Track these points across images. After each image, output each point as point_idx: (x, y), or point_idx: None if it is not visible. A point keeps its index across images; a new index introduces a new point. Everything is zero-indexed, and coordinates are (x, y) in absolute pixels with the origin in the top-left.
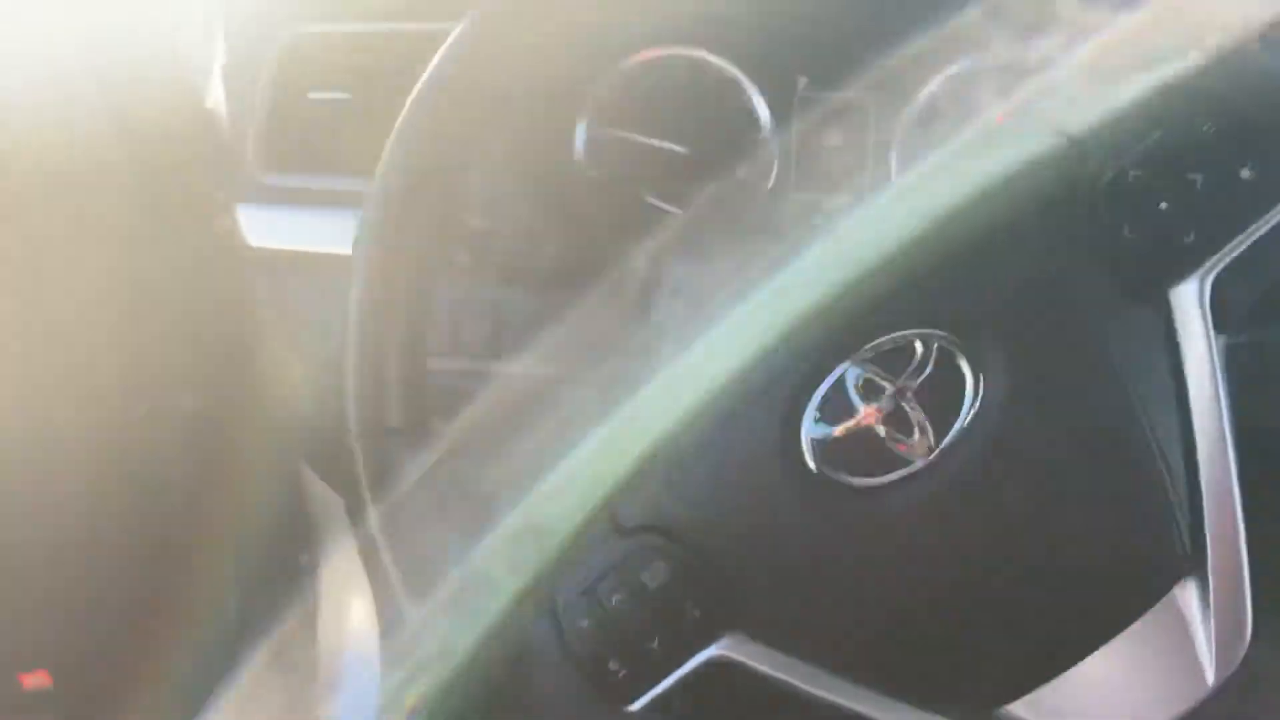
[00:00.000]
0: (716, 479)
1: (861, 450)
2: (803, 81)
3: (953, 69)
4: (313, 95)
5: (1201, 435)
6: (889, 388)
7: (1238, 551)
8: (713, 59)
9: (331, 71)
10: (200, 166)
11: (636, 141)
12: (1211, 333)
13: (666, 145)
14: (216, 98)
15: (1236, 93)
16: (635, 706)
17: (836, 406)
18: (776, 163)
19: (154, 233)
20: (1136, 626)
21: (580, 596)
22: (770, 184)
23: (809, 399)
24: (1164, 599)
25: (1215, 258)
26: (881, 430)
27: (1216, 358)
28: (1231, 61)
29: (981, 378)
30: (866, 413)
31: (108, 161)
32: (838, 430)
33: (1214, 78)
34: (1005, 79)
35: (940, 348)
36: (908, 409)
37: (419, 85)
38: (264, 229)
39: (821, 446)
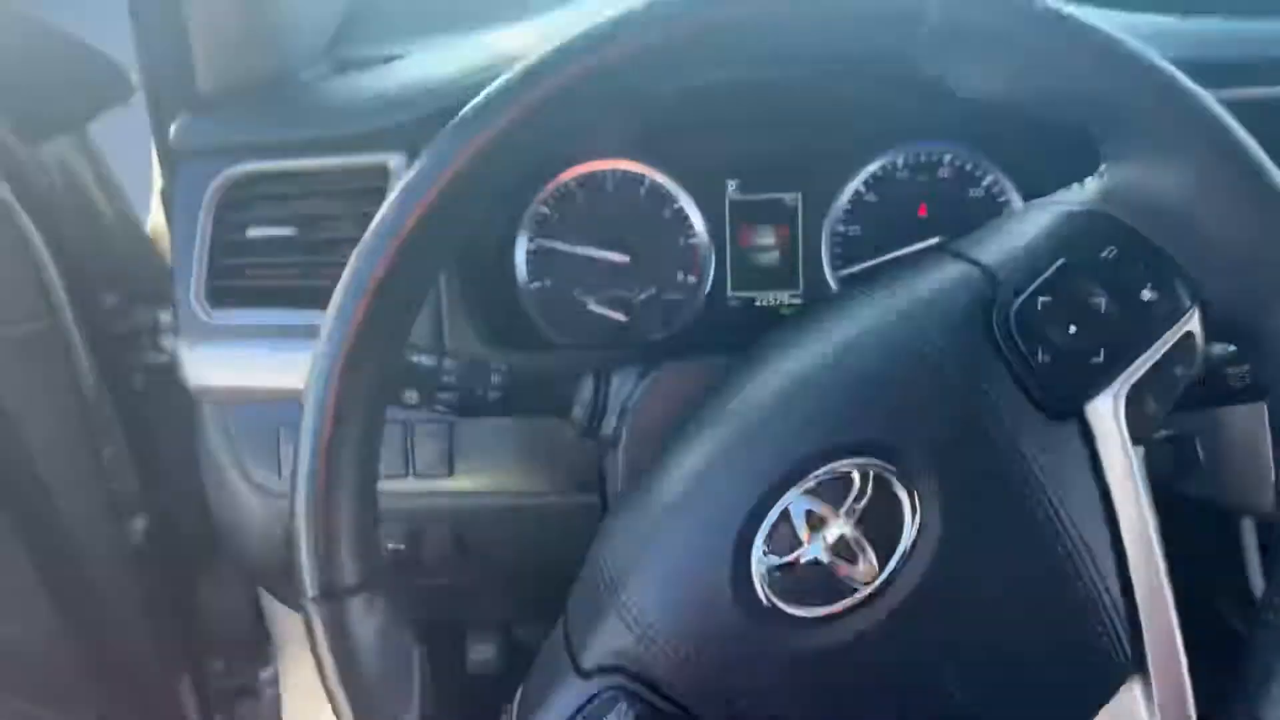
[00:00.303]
0: (673, 615)
1: (811, 580)
2: (732, 185)
3: (873, 167)
4: (252, 233)
5: (1131, 544)
6: (831, 518)
7: (1176, 652)
8: (644, 170)
9: (272, 208)
10: (140, 296)
11: (576, 253)
12: (1129, 445)
13: (605, 255)
14: (157, 229)
15: (1135, 218)
16: None
17: (784, 538)
18: (712, 265)
19: (99, 362)
20: None
21: None
22: (707, 287)
23: (757, 531)
24: (1110, 705)
25: (1125, 374)
26: (827, 559)
27: (1137, 469)
28: (1128, 189)
29: (918, 502)
30: (811, 543)
31: (48, 284)
32: (786, 561)
33: (1113, 204)
34: (923, 176)
35: (876, 475)
36: (851, 538)
37: (369, 230)
38: (208, 365)
39: (772, 578)
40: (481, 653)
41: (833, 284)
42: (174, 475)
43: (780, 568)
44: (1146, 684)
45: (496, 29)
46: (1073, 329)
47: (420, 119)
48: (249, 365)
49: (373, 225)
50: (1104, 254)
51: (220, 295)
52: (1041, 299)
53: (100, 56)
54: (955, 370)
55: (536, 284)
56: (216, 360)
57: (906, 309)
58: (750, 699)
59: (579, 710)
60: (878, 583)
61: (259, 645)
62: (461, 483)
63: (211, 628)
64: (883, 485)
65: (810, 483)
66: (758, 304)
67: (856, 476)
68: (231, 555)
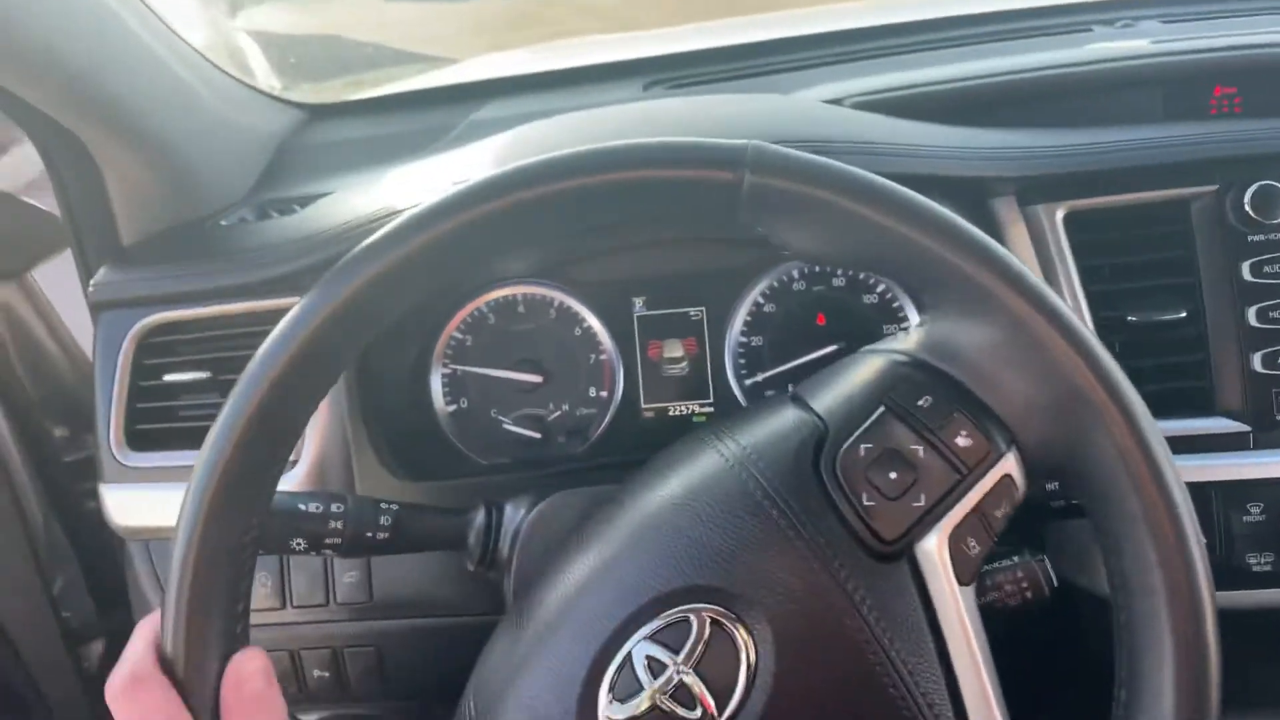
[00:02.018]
0: None
1: None
2: (638, 303)
3: (769, 280)
4: (169, 377)
5: (963, 678)
6: (670, 664)
7: None
8: (552, 293)
9: (188, 351)
10: (89, 426)
11: (491, 375)
12: (955, 586)
13: (518, 376)
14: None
15: (952, 367)
16: None
17: (628, 684)
18: (622, 379)
19: (49, 491)
20: None
21: None
22: (618, 400)
23: (602, 678)
24: None
25: (947, 518)
26: (667, 707)
27: (965, 608)
28: (944, 339)
29: (752, 646)
30: (652, 690)
31: None
32: (629, 709)
33: (931, 353)
34: (818, 286)
35: (712, 619)
36: (689, 684)
37: (251, 362)
38: (127, 506)
39: None
40: None
41: (739, 393)
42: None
43: (625, 716)
44: None
45: (423, 158)
46: (893, 474)
47: (322, 262)
48: (166, 506)
49: (254, 358)
50: (920, 401)
51: (138, 439)
52: (864, 445)
53: (34, 211)
54: (785, 514)
55: (453, 407)
56: (135, 501)
57: (745, 454)
58: None
59: None
60: None
61: None
62: (381, 608)
63: None
64: (719, 629)
65: (649, 628)
66: (671, 414)
67: (694, 621)
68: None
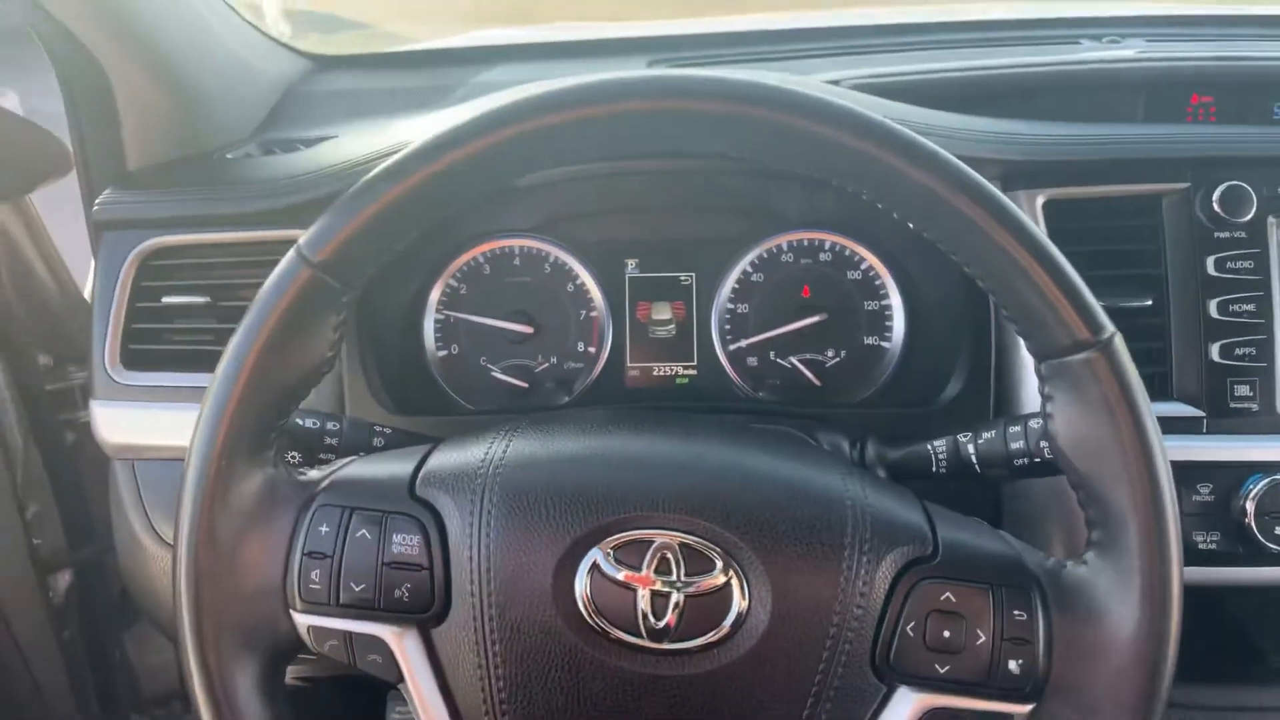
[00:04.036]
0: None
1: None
2: (631, 264)
3: (759, 250)
4: (167, 300)
5: None
6: (675, 574)
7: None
8: (548, 248)
9: (187, 276)
10: (74, 357)
11: (482, 324)
12: None
13: (510, 326)
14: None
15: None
16: None
17: (629, 559)
18: (610, 336)
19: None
20: None
21: None
22: (605, 357)
23: (605, 540)
24: None
25: (943, 698)
26: (644, 600)
27: None
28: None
29: (747, 604)
30: (642, 578)
31: None
32: (619, 576)
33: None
34: (805, 259)
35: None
36: (676, 599)
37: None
38: (118, 424)
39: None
40: (404, 713)
41: (722, 358)
42: (102, 532)
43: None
44: None
45: (429, 113)
46: (946, 634)
47: (326, 196)
48: (158, 424)
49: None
50: (1016, 613)
51: (134, 358)
52: (950, 594)
53: (39, 131)
54: (852, 558)
55: (444, 352)
56: (127, 419)
57: (864, 497)
58: None
59: None
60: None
61: (186, 702)
62: None
63: (135, 684)
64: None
65: (669, 536)
66: (655, 374)
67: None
68: (145, 611)
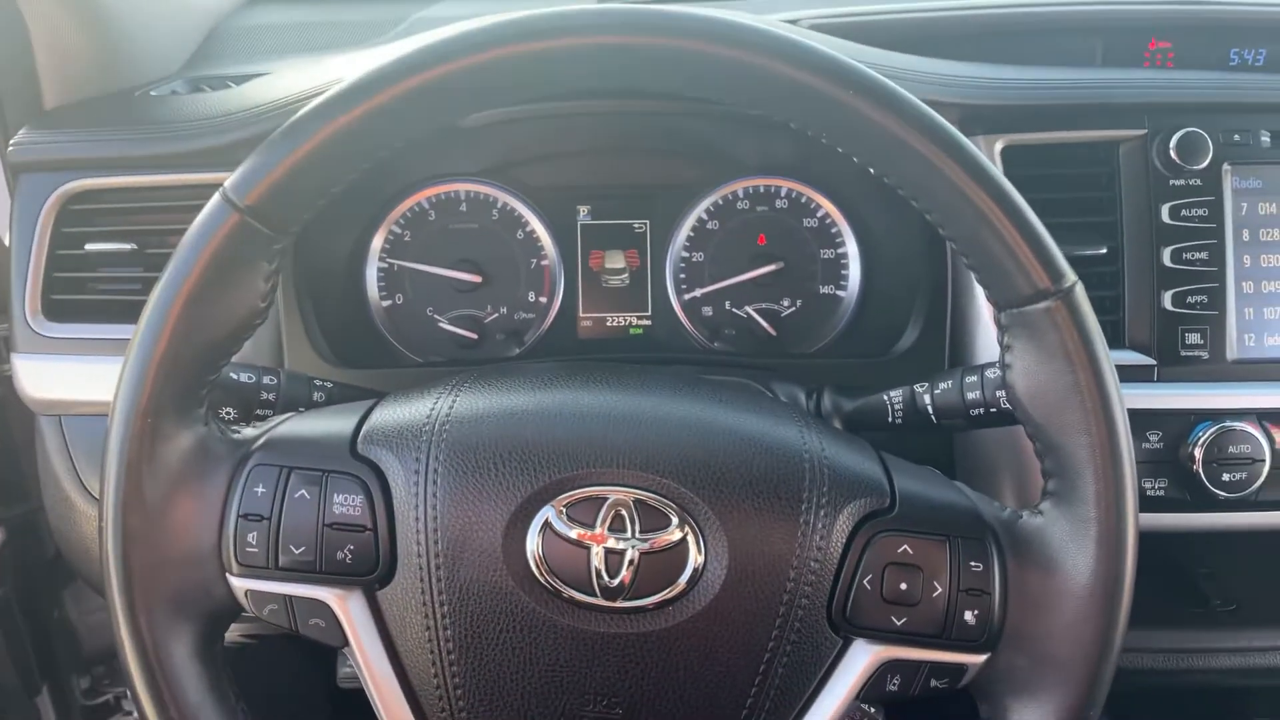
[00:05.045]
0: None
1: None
2: (583, 211)
3: (714, 197)
4: (90, 247)
5: None
6: (629, 531)
7: None
8: (496, 193)
9: (111, 222)
10: None
11: (428, 272)
12: (850, 695)
13: (457, 274)
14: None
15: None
16: None
17: (581, 516)
18: (562, 286)
19: None
20: None
21: None
22: (557, 307)
23: (559, 496)
24: None
25: (900, 649)
26: (597, 558)
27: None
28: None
29: (703, 560)
30: (596, 535)
31: None
32: (571, 535)
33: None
34: (761, 206)
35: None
36: (631, 556)
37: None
38: (43, 378)
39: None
40: (353, 671)
41: (677, 307)
42: (35, 489)
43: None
44: None
45: (365, 49)
46: (904, 585)
47: (256, 136)
48: (84, 379)
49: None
50: (973, 564)
51: (57, 309)
52: (907, 545)
53: None
54: (811, 514)
55: (388, 302)
56: (51, 373)
57: (821, 449)
58: None
59: None
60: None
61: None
62: None
63: (73, 644)
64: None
65: (625, 491)
66: (609, 324)
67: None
68: (78, 571)
